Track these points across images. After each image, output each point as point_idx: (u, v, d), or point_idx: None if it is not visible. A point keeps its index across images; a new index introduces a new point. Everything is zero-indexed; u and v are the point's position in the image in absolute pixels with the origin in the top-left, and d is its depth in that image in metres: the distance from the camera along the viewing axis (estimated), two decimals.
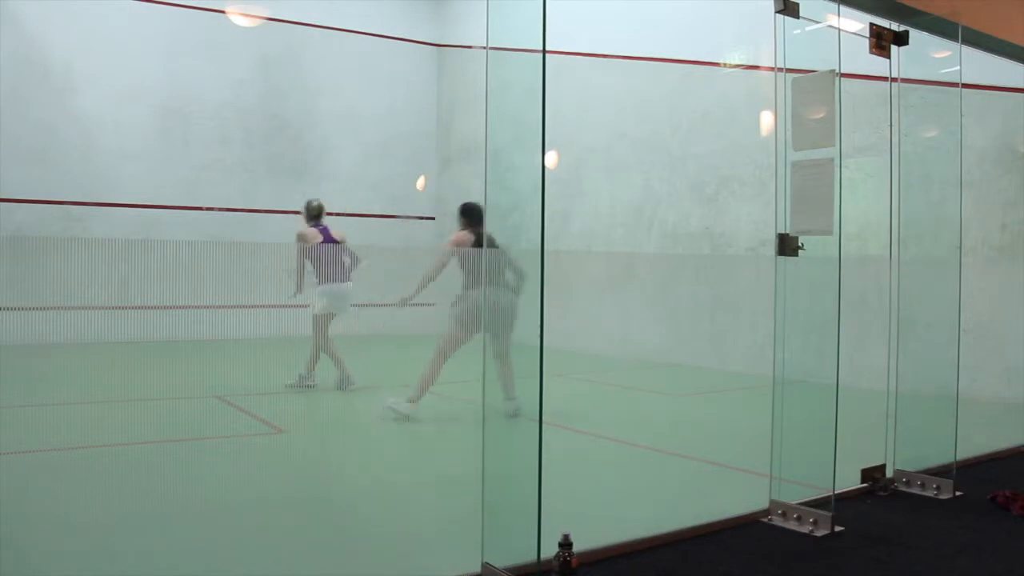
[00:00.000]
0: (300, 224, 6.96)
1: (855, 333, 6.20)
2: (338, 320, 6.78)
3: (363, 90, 11.99)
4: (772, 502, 3.43)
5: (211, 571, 2.85)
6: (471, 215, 5.73)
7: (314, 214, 6.93)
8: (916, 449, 3.95)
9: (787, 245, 3.36)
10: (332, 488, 3.97)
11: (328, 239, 6.87)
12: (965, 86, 4.10)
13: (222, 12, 10.63)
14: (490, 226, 2.82)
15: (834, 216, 3.28)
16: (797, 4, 3.36)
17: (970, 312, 4.70)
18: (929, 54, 4.12)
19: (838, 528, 3.25)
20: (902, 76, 4.04)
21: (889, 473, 3.93)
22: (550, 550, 2.62)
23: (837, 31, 3.44)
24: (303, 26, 11.31)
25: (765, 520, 3.39)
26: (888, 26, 3.93)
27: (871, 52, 3.88)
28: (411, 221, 12.43)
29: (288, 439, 5.16)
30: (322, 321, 6.68)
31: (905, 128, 4.12)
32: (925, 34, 4.02)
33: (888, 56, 3.92)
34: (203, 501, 3.66)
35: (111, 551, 2.99)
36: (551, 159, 9.94)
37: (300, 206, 7.06)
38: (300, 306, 6.71)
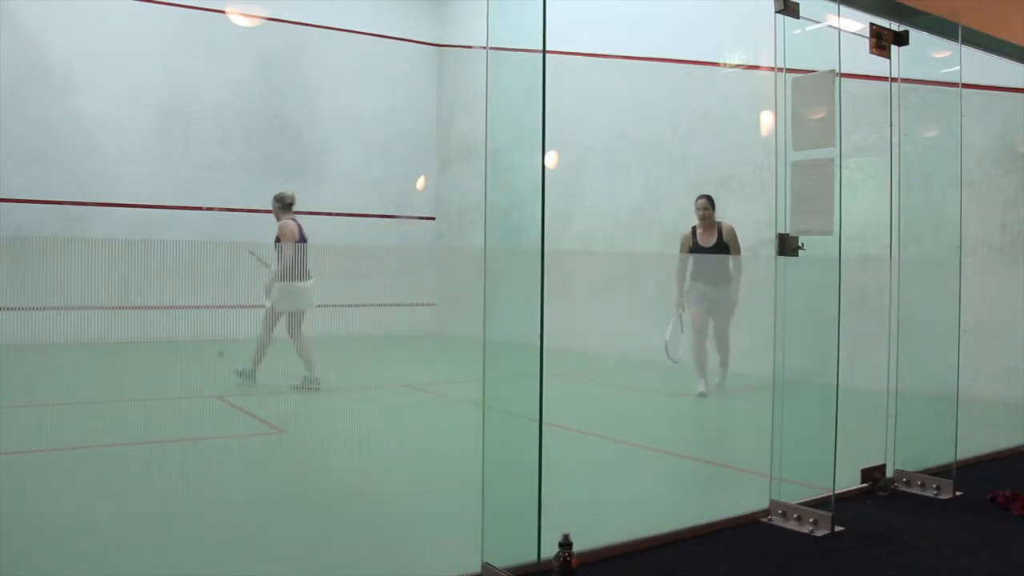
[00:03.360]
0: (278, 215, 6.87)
1: (855, 333, 6.18)
2: (302, 319, 6.74)
3: (363, 90, 11.99)
4: (772, 502, 3.43)
5: (211, 571, 2.85)
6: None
7: (289, 203, 6.85)
8: (916, 449, 3.95)
9: (787, 245, 3.36)
10: (332, 488, 3.97)
11: (302, 235, 6.85)
12: (965, 86, 4.10)
13: (222, 12, 10.63)
14: (490, 226, 2.82)
15: (834, 216, 3.28)
16: (797, 4, 3.36)
17: (970, 312, 4.70)
18: (929, 54, 4.12)
19: (838, 528, 3.25)
20: (902, 76, 4.04)
21: (889, 473, 3.92)
22: (550, 550, 2.62)
23: (837, 31, 3.44)
24: (303, 26, 11.31)
25: (765, 520, 3.39)
26: (888, 26, 3.93)
27: (871, 52, 3.88)
28: (411, 221, 12.44)
29: (288, 439, 5.16)
30: (275, 317, 6.63)
31: (905, 128, 4.12)
32: (925, 34, 4.02)
33: (888, 56, 3.92)
34: (203, 501, 3.66)
35: (111, 551, 2.99)
36: (551, 159, 9.94)
37: (273, 198, 6.91)
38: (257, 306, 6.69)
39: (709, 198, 7.01)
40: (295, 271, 6.69)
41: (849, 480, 3.76)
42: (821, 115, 3.33)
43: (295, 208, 6.88)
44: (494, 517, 2.66)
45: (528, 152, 2.68)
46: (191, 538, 3.15)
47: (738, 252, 6.91)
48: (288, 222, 6.80)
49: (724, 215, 8.51)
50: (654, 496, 4.05)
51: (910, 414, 3.93)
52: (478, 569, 2.68)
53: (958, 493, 3.78)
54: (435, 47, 12.72)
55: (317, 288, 6.81)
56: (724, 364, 6.89)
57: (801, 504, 3.36)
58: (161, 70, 10.48)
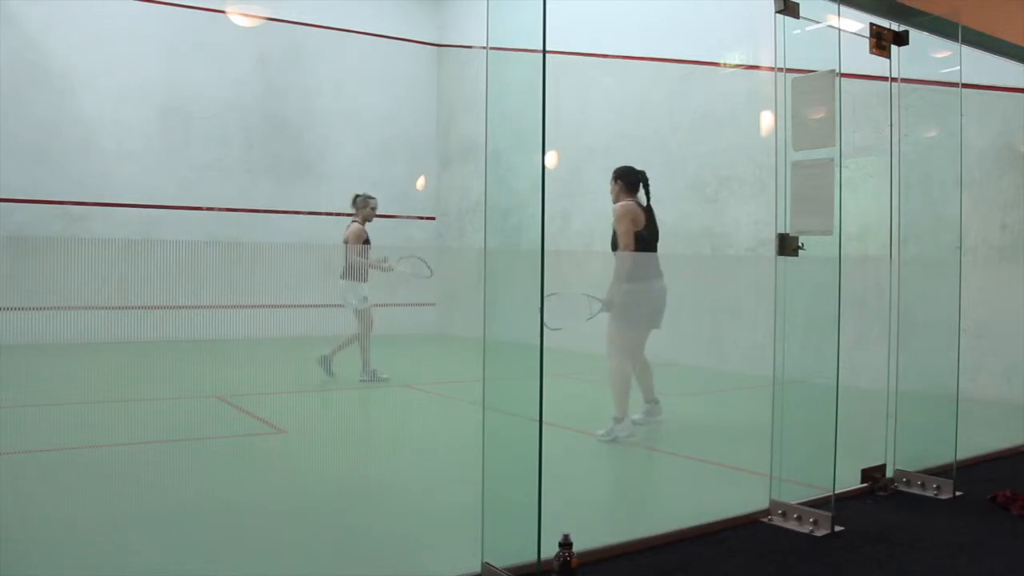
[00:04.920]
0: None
1: (855, 333, 6.19)
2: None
3: (363, 90, 11.99)
4: (772, 502, 3.43)
5: (211, 571, 2.85)
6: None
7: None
8: (916, 449, 3.95)
9: (787, 245, 3.36)
10: (333, 488, 3.97)
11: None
12: (965, 86, 4.10)
13: (222, 12, 10.64)
14: (490, 226, 2.81)
15: (834, 216, 3.28)
16: (797, 4, 3.37)
17: (970, 312, 4.70)
18: (929, 54, 4.12)
19: (838, 528, 3.25)
20: (902, 76, 4.04)
21: (889, 473, 3.93)
22: (550, 550, 2.62)
23: (837, 31, 3.44)
24: (303, 26, 11.31)
25: (765, 520, 3.39)
26: (888, 26, 3.93)
27: (871, 52, 3.88)
28: (411, 221, 12.44)
29: (289, 439, 5.16)
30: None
31: (905, 128, 4.12)
32: (925, 34, 4.02)
33: (888, 56, 3.92)
34: (204, 501, 3.66)
35: (111, 551, 2.99)
36: (551, 159, 9.94)
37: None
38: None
39: (615, 171, 5.31)
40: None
41: (849, 480, 3.76)
42: (821, 115, 3.33)
43: (375, 210, 7.29)
44: (494, 517, 2.66)
45: (528, 152, 2.68)
46: (191, 538, 3.15)
47: (626, 244, 4.94)
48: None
49: (724, 215, 8.52)
50: (654, 496, 4.05)
51: (910, 414, 3.93)
52: (478, 569, 2.68)
53: (958, 493, 3.78)
54: (435, 47, 12.72)
55: (346, 291, 7.06)
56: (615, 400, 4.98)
57: (801, 504, 3.36)
58: (161, 70, 10.48)
